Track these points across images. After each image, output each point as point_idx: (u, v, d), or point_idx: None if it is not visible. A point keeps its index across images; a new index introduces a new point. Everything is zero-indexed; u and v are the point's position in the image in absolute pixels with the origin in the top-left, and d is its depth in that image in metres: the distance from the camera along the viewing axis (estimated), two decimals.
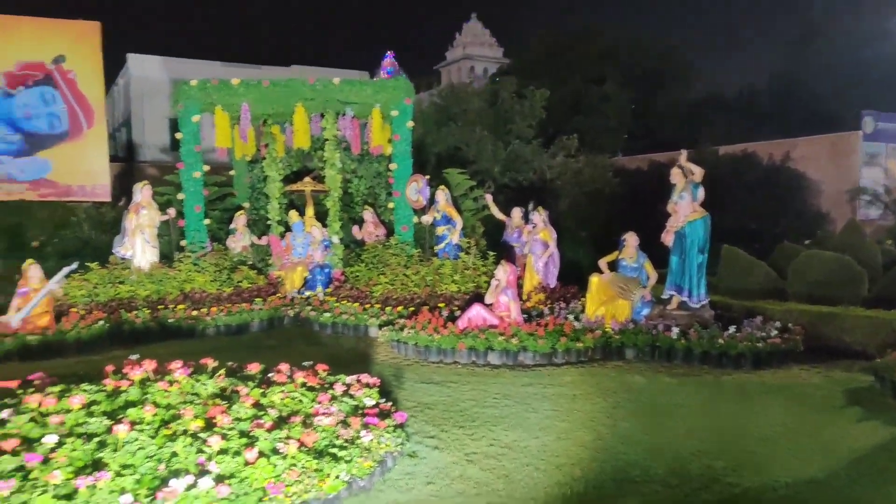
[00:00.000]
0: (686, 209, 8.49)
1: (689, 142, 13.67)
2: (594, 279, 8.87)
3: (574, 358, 7.87)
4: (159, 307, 9.56)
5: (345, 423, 4.86)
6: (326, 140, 12.05)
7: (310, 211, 12.32)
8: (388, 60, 13.27)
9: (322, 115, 12.00)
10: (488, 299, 8.63)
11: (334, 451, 4.46)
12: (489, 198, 12.19)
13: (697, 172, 8.50)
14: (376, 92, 11.98)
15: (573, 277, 10.64)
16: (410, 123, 12.12)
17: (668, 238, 8.73)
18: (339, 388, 5.51)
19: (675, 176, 8.63)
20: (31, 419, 4.52)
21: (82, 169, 19.32)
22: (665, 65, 31.25)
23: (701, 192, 8.48)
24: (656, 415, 6.04)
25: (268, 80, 11.87)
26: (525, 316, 8.78)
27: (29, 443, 4.21)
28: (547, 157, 19.70)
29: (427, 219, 11.62)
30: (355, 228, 12.64)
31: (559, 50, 30.38)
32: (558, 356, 7.83)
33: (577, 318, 8.71)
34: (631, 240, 9.01)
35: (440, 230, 11.49)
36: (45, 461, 3.96)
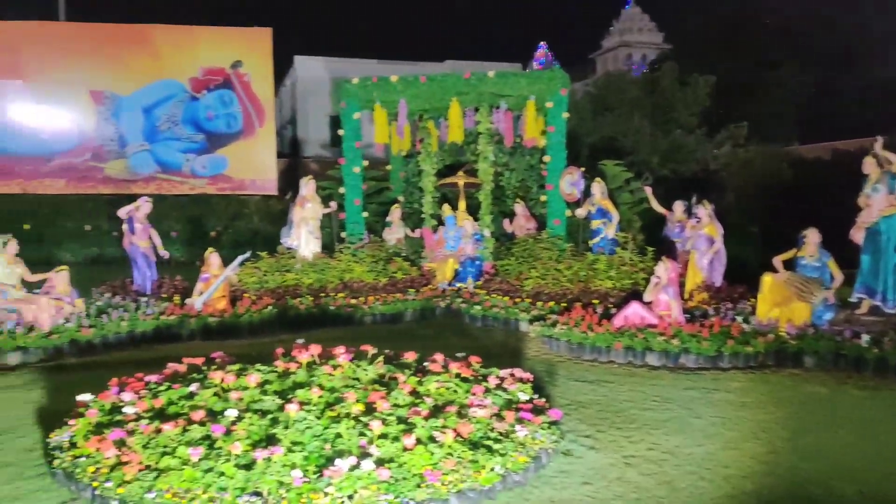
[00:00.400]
0: (881, 203, 7.69)
1: (883, 127, 12.33)
2: (767, 278, 8.25)
3: (742, 363, 7.39)
4: (321, 295, 10.09)
5: (499, 417, 4.89)
6: (480, 133, 12.20)
7: (462, 205, 12.54)
8: (541, 51, 13.28)
9: (476, 109, 12.15)
10: (647, 297, 8.33)
11: (489, 443, 4.51)
12: (649, 190, 11.74)
13: None
14: (531, 84, 11.93)
15: (741, 276, 9.97)
16: (566, 114, 11.96)
17: (857, 235, 7.96)
18: (492, 381, 5.56)
19: (868, 166, 7.85)
20: (215, 394, 4.97)
21: (254, 165, 20.87)
22: (853, 42, 28.34)
23: None
24: (842, 430, 5.48)
25: (424, 76, 12.19)
26: (687, 316, 8.37)
27: (213, 415, 4.64)
28: (712, 147, 18.68)
29: (581, 212, 11.41)
30: (506, 222, 12.70)
31: (727, 32, 28.57)
32: (724, 360, 7.38)
33: (745, 320, 8.15)
34: (812, 236, 8.27)
35: (595, 224, 11.23)
36: (228, 433, 4.34)
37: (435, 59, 29.11)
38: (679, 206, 11.07)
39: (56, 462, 4.45)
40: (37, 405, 5.97)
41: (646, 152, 18.22)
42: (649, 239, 11.69)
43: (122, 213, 10.60)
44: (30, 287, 8.75)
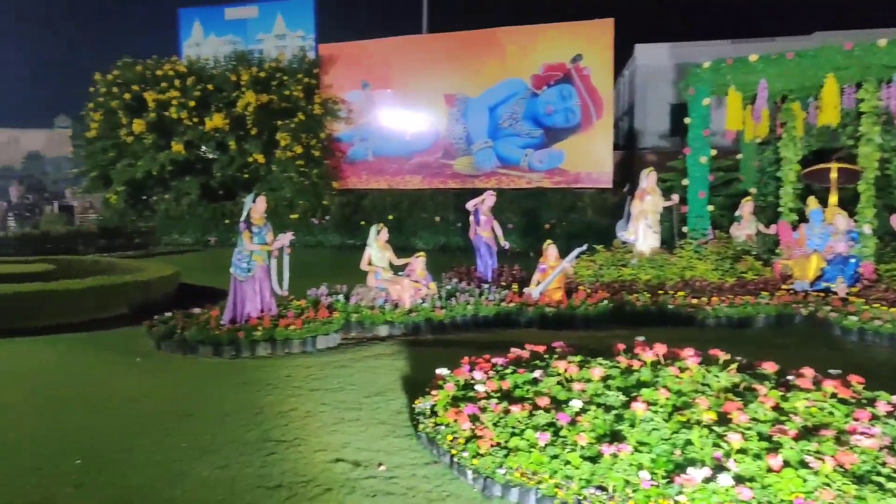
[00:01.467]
0: None
1: None
2: None
3: None
4: (659, 292, 9.69)
5: (892, 450, 4.07)
6: (863, 113, 10.48)
7: (833, 198, 10.93)
8: None
9: (858, 86, 10.48)
10: None
11: (881, 479, 3.76)
12: None
13: None
14: None
15: None
16: None
17: None
18: (882, 407, 4.66)
19: None
20: (559, 383, 5.00)
21: (589, 158, 21.02)
22: None
23: None
24: None
25: (790, 52, 10.91)
26: None
27: (557, 403, 4.66)
28: None
29: None
30: (893, 218, 10.70)
31: None
32: None
33: None
34: None
35: None
36: (573, 423, 4.31)
37: (800, 33, 26.04)
38: None
39: (420, 427, 4.92)
40: (402, 373, 6.66)
41: None
42: None
43: (470, 205, 11.41)
44: (395, 270, 9.81)
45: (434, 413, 4.98)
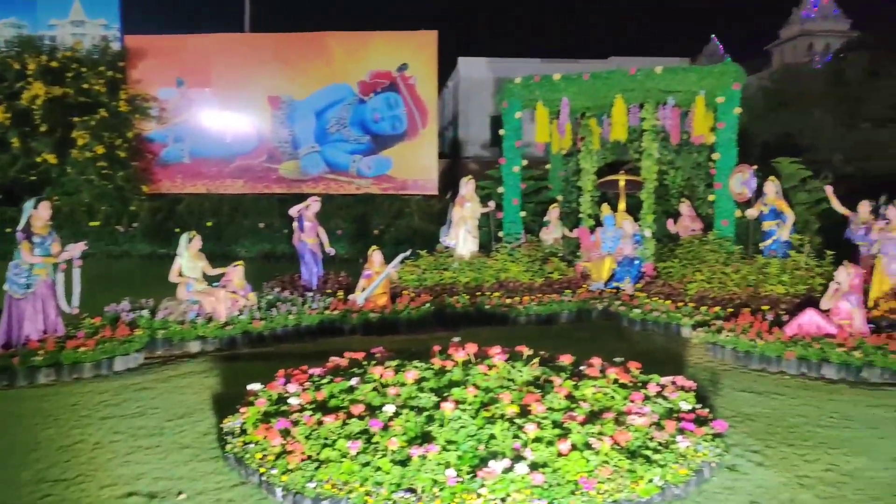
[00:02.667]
0: None
1: None
2: None
3: None
4: (477, 293, 10.14)
5: (659, 426, 4.67)
6: (644, 131, 11.74)
7: (621, 205, 12.15)
8: (712, 45, 12.50)
9: (641, 106, 11.71)
10: (824, 305, 7.62)
11: (648, 453, 4.32)
12: (829, 189, 10.76)
13: None
14: (701, 78, 11.34)
15: None
16: (738, 110, 11.23)
17: None
18: (652, 389, 5.32)
19: None
20: (374, 389, 5.13)
21: (416, 165, 21.49)
22: None
23: None
24: None
25: (587, 73, 11.92)
26: (871, 326, 7.57)
27: (372, 409, 4.79)
28: None
29: (752, 213, 10.64)
30: (669, 222, 12.14)
31: None
32: None
33: None
34: None
35: (767, 225, 10.44)
36: (385, 428, 4.47)
37: (599, 57, 28.42)
38: (865, 206, 10.04)
39: (228, 447, 4.76)
40: (213, 391, 6.43)
41: (826, 149, 16.70)
42: (828, 242, 10.69)
43: (293, 211, 11.24)
44: (209, 280, 9.36)
45: (244, 431, 4.86)
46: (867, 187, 14.08)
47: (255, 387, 5.38)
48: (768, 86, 20.10)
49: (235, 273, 9.32)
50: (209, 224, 18.71)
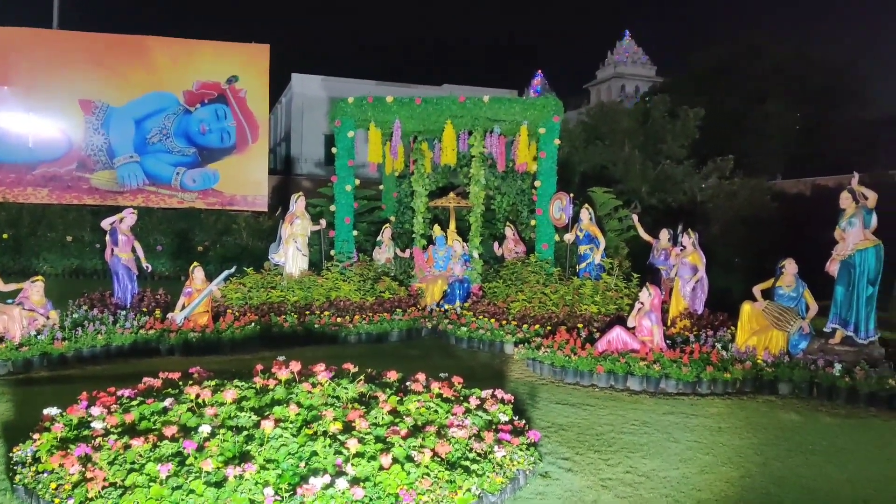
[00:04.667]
0: (856, 237, 7.80)
1: (862, 165, 12.62)
2: (746, 307, 8.33)
3: (720, 389, 7.47)
4: (306, 313, 10.03)
5: (478, 437, 4.85)
6: (473, 157, 12.27)
7: (452, 225, 12.58)
8: (538, 80, 13.53)
9: (470, 133, 12.22)
10: (630, 323, 8.34)
11: (467, 463, 4.47)
12: (635, 217, 11.87)
13: (871, 197, 7.85)
14: (525, 110, 12.05)
15: (723, 305, 10.07)
16: (557, 141, 12.10)
17: (832, 267, 8.07)
18: (473, 402, 5.52)
19: (845, 200, 7.97)
20: (190, 409, 4.88)
21: (245, 180, 20.86)
22: (838, 82, 28.86)
23: (874, 219, 7.80)
24: (813, 457, 5.56)
25: (419, 97, 12.25)
26: (669, 342, 8.40)
27: (187, 431, 4.55)
28: (699, 179, 18.90)
29: (569, 237, 11.46)
30: (496, 244, 12.75)
31: (720, 67, 28.95)
32: (703, 386, 7.44)
33: (725, 348, 8.24)
34: (790, 267, 8.39)
35: (582, 249, 11.29)
36: (200, 449, 4.27)
37: (433, 83, 29.36)
38: (665, 233, 11.14)
39: (17, 478, 4.33)
40: (2, 418, 5.84)
41: (635, 181, 18.37)
42: (635, 266, 11.75)
43: (106, 224, 10.46)
44: (3, 297, 8.56)
45: (36, 459, 4.45)
46: (669, 217, 15.70)
47: (51, 411, 4.93)
48: (586, 120, 21.74)
49: (34, 289, 8.54)
50: (5, 236, 16.88)
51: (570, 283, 10.63)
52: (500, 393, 5.86)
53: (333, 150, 12.66)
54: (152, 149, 20.48)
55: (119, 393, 5.30)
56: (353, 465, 4.22)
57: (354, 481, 4.07)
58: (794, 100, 27.80)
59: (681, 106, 19.72)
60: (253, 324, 9.32)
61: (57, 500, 3.98)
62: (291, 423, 4.69)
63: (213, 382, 5.30)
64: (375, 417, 4.90)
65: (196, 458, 4.16)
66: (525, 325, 9.36)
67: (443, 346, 9.71)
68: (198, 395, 5.02)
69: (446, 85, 28.89)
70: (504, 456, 4.70)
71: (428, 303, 11.30)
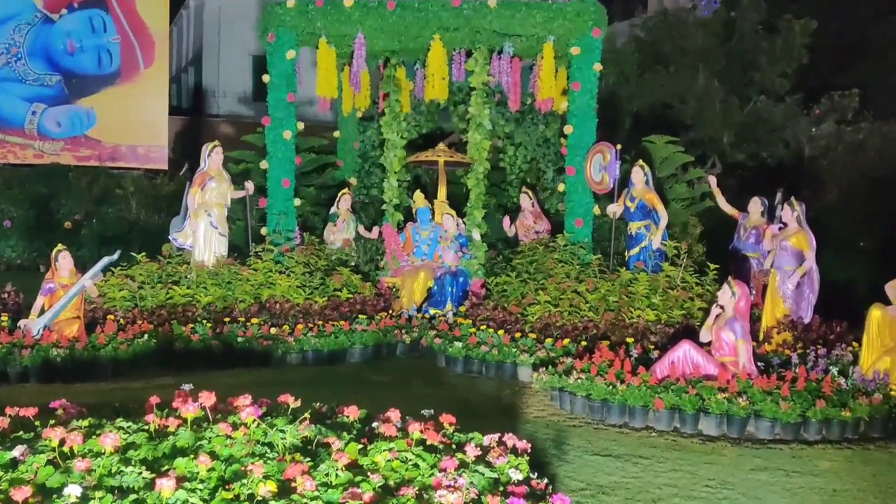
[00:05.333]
0: None
1: None
2: (876, 312, 8.37)
3: (836, 433, 7.52)
4: (226, 320, 10.07)
5: (479, 503, 4.87)
6: (473, 89, 12.23)
7: (442, 192, 12.56)
8: None
9: (469, 54, 12.18)
10: (704, 336, 8.38)
11: None
12: (713, 181, 11.88)
13: None
14: (550, 19, 12.02)
15: (841, 309, 10.12)
16: (598, 66, 12.06)
17: None
18: (471, 451, 5.52)
19: None
20: (50, 462, 4.87)
21: (134, 124, 20.84)
22: None
23: None
24: None
25: (393, 1, 12.16)
26: (760, 364, 8.45)
27: (47, 494, 4.54)
28: (808, 124, 18.96)
29: (615, 209, 11.49)
30: (506, 220, 12.76)
31: None
32: (811, 429, 7.50)
33: (843, 373, 8.28)
34: None
35: (634, 227, 11.35)
36: None
37: None
38: (757, 204, 11.19)
39: None
40: None
41: (714, 127, 18.43)
42: (712, 252, 11.80)
43: None
44: None
45: None
46: (762, 180, 15.74)
47: None
48: (642, 36, 21.73)
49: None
50: None
51: (617, 277, 10.68)
52: (510, 439, 5.87)
53: (265, 78, 12.61)
54: None
55: None
56: None
57: None
58: None
59: (782, 16, 19.72)
60: (146, 336, 9.35)
61: None
62: (202, 482, 4.69)
63: (85, 423, 5.30)
64: (326, 475, 4.91)
65: None
66: (549, 340, 9.41)
67: (427, 370, 9.76)
68: (62, 442, 5.00)
69: None
70: None
71: (405, 306, 11.35)
